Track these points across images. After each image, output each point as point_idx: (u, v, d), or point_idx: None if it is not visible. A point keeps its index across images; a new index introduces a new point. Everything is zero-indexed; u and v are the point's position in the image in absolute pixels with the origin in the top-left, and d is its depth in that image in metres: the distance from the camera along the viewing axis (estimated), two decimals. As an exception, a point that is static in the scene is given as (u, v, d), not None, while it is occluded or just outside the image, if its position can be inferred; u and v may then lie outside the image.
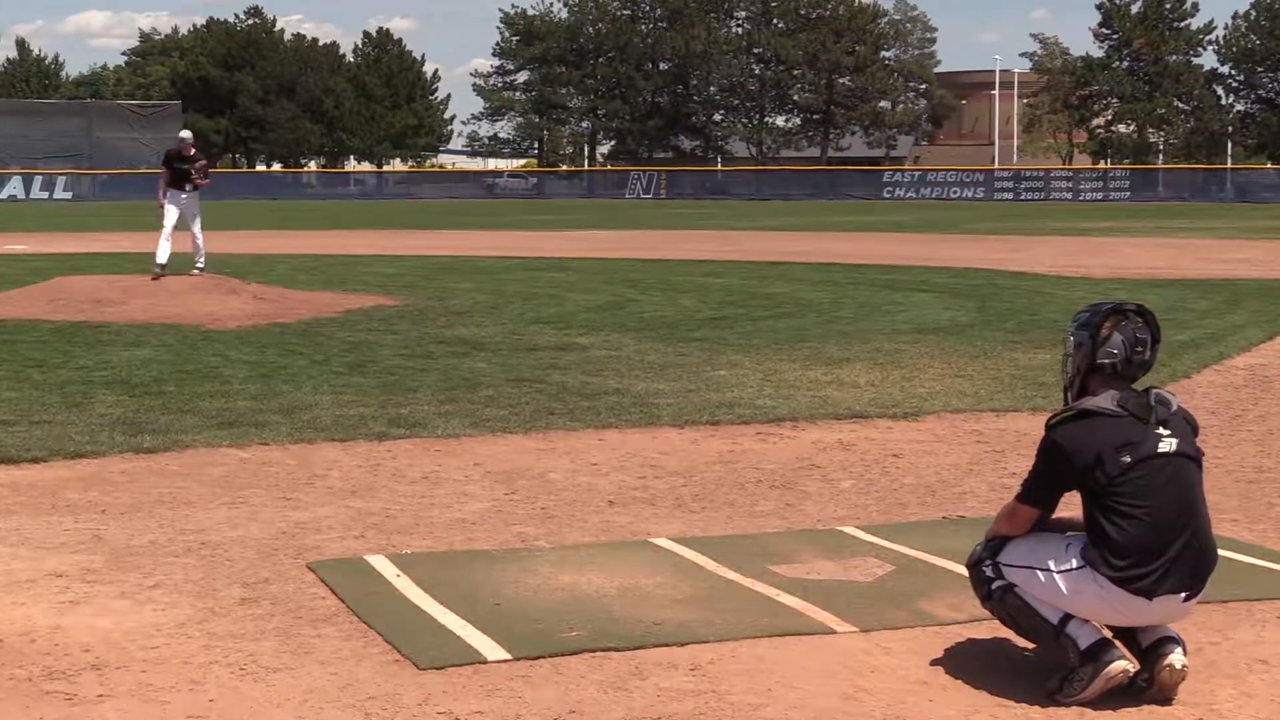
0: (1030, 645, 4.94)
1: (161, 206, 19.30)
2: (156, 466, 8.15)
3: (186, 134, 20.30)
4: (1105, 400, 4.56)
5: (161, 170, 19.64)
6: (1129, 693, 4.58)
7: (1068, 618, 4.61)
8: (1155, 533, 4.49)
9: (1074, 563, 4.59)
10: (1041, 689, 4.64)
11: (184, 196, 19.20)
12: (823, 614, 5.46)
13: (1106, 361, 4.61)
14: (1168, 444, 4.53)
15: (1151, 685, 4.58)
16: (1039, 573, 4.64)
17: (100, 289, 17.27)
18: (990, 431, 9.37)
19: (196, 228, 19.19)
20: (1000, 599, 4.75)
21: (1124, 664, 4.52)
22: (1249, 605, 5.56)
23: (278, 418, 9.54)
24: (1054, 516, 4.79)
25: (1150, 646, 4.59)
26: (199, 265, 19.14)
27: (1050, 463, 4.62)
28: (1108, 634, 4.63)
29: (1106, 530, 4.52)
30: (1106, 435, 4.50)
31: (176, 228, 18.98)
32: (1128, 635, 4.68)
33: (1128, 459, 4.48)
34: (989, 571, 4.77)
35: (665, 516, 7.12)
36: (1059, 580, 4.61)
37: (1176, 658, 4.55)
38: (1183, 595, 4.56)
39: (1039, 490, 4.68)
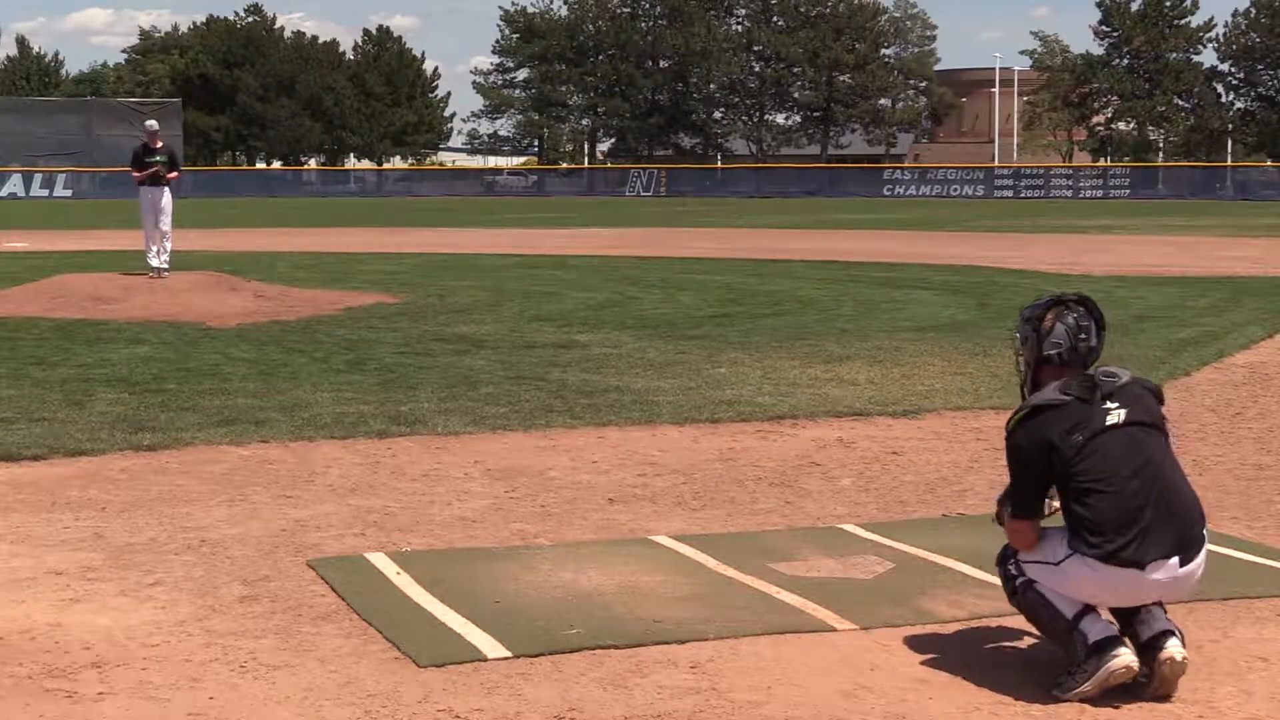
0: (1033, 643, 4.95)
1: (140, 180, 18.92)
2: (156, 464, 8.14)
3: (151, 123, 19.80)
4: (1050, 391, 4.70)
5: (132, 169, 19.27)
6: (1131, 690, 4.58)
7: (1082, 614, 4.62)
8: (1122, 502, 4.56)
9: (1064, 552, 4.65)
10: (1041, 686, 4.64)
11: (153, 191, 18.94)
12: (823, 612, 5.45)
13: (1052, 352, 4.79)
14: (1115, 416, 4.64)
15: (1152, 680, 4.59)
16: (1045, 566, 4.70)
17: (100, 286, 17.25)
18: (990, 429, 9.35)
19: (166, 225, 18.86)
20: (1022, 595, 4.79)
21: (1128, 659, 4.53)
22: (1249, 602, 5.55)
23: (278, 415, 9.54)
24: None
25: (1148, 642, 4.61)
26: (161, 266, 18.60)
27: (1018, 465, 4.74)
28: (1116, 630, 4.63)
29: (1078, 512, 4.61)
30: (1056, 423, 4.63)
31: (157, 225, 18.81)
32: (1126, 630, 4.69)
33: (1079, 438, 4.60)
34: (1012, 569, 4.83)
35: (665, 514, 7.12)
36: (1059, 571, 4.66)
37: (1175, 650, 4.57)
38: (1176, 561, 4.59)
39: (1022, 499, 4.76)
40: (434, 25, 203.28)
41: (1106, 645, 4.54)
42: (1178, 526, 4.61)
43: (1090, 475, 4.58)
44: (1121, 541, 4.54)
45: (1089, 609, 4.64)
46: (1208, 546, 4.75)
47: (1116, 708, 4.53)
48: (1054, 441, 4.60)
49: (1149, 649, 4.61)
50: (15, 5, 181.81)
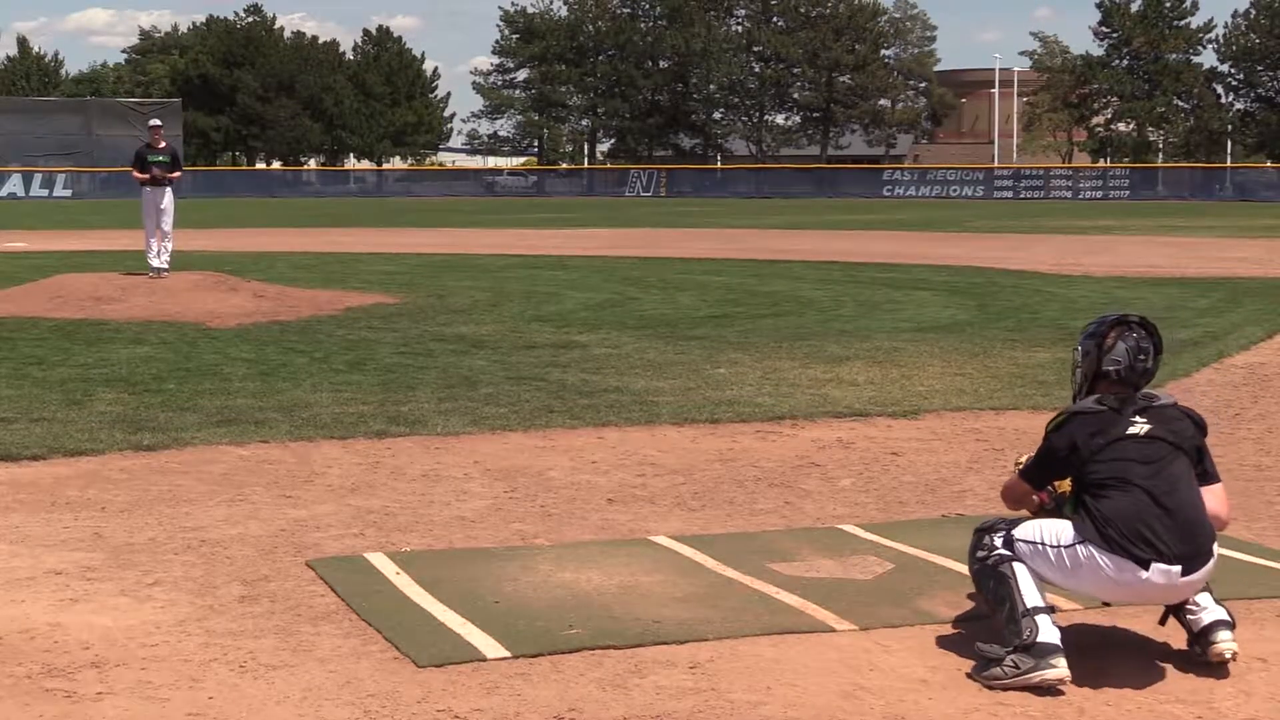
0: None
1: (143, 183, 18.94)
2: (156, 464, 8.14)
3: (155, 121, 19.86)
4: (1089, 401, 4.96)
5: (134, 169, 19.25)
6: (1189, 659, 4.89)
7: (1041, 609, 4.76)
8: (1132, 501, 4.75)
9: (1072, 538, 4.83)
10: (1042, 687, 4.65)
11: (156, 192, 18.95)
12: (822, 612, 5.46)
13: (1111, 369, 5.00)
14: (1138, 428, 4.87)
15: (1205, 656, 4.87)
16: (1045, 548, 4.88)
17: (100, 286, 17.26)
18: (989, 430, 9.37)
19: (167, 224, 18.89)
20: (994, 566, 4.90)
21: (1064, 673, 4.64)
22: (1248, 603, 5.55)
23: (277, 415, 9.54)
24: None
25: (1202, 632, 4.87)
26: (162, 266, 18.64)
27: (1045, 457, 5.05)
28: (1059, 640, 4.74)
29: (1090, 504, 4.83)
30: (1086, 426, 4.89)
31: (159, 225, 18.85)
32: (1177, 614, 4.95)
33: (1100, 441, 4.84)
34: (993, 540, 4.96)
35: (665, 514, 7.12)
36: (1063, 555, 4.83)
37: (1227, 646, 4.82)
38: (1179, 569, 4.74)
39: (1034, 473, 5.13)
40: (434, 25, 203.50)
41: (1051, 651, 4.66)
42: (1186, 537, 4.76)
43: (1106, 473, 4.81)
44: (1129, 539, 4.71)
45: (1050, 609, 4.81)
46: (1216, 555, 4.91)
47: (1116, 707, 4.55)
48: (1078, 443, 4.87)
49: (1203, 638, 4.86)
50: (15, 5, 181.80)
